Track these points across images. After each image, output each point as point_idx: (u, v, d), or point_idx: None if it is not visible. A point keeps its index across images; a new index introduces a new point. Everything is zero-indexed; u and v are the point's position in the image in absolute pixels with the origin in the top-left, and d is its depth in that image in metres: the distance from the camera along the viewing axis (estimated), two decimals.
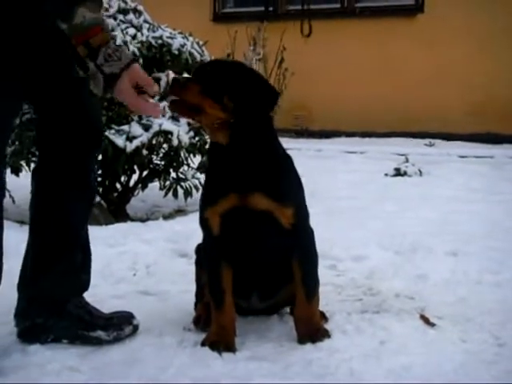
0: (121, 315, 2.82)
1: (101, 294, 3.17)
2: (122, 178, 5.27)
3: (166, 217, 5.27)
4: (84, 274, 2.85)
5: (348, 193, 6.17)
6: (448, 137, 9.75)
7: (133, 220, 5.13)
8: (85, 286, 2.87)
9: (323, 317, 2.95)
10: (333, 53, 10.31)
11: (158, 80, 5.19)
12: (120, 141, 4.76)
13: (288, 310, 3.04)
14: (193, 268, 3.55)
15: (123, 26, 5.22)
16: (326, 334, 2.74)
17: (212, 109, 2.61)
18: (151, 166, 5.23)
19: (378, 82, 10.24)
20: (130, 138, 4.80)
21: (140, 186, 5.32)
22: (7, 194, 4.97)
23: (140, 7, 5.47)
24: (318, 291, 2.81)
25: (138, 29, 5.26)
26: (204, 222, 2.73)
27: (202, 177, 5.23)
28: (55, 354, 2.62)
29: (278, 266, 2.79)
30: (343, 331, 2.82)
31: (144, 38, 5.20)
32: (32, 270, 2.78)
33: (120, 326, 2.76)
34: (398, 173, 7.17)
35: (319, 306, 3.00)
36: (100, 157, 4.48)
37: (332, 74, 10.40)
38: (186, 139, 4.95)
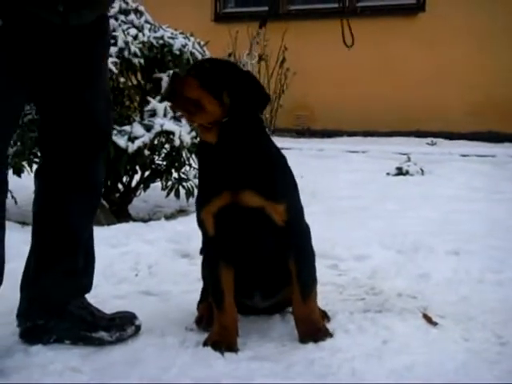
0: (123, 316, 2.82)
1: (103, 295, 3.18)
2: (124, 179, 5.27)
3: (168, 217, 5.27)
4: (86, 277, 2.85)
5: (350, 192, 6.17)
6: (450, 136, 9.75)
7: (135, 220, 5.13)
8: (86, 288, 2.87)
9: (325, 316, 2.95)
10: (333, 52, 10.31)
11: (159, 80, 5.20)
12: (122, 141, 4.77)
13: (290, 309, 3.04)
14: (194, 268, 3.57)
15: (124, 26, 5.23)
16: (327, 334, 2.74)
17: (211, 104, 2.61)
18: (153, 166, 5.23)
19: (379, 82, 10.24)
20: (131, 139, 4.81)
21: (142, 186, 5.33)
22: (9, 194, 4.98)
23: (141, 8, 5.47)
24: (314, 289, 2.80)
25: (140, 29, 5.26)
26: (200, 223, 2.74)
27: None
28: (57, 354, 2.62)
29: (278, 264, 2.78)
30: (345, 331, 2.82)
31: (145, 39, 5.20)
32: (34, 271, 2.78)
33: (122, 326, 2.77)
34: (400, 172, 7.17)
35: (321, 306, 3.01)
36: None
37: (333, 73, 10.40)
38: (187, 139, 4.96)
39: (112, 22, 5.13)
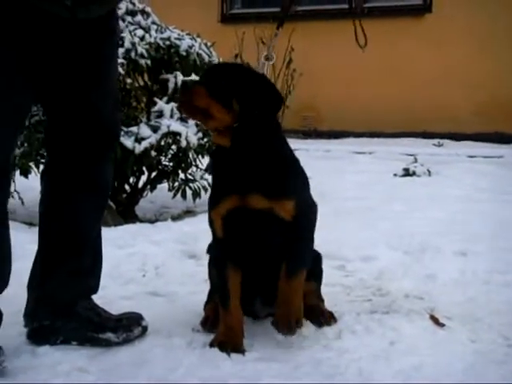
0: (130, 316, 2.82)
1: (110, 295, 3.18)
2: (131, 180, 5.28)
3: (175, 218, 5.27)
4: (93, 278, 2.85)
5: (356, 193, 6.16)
6: (456, 137, 9.74)
7: (141, 221, 5.14)
8: (93, 289, 2.87)
9: (332, 317, 2.95)
10: (341, 53, 10.31)
11: (166, 81, 5.21)
12: (129, 142, 4.77)
13: None
14: (201, 269, 3.56)
15: (131, 27, 5.23)
16: (294, 330, 2.67)
17: (220, 113, 2.63)
18: (160, 167, 5.24)
19: (386, 82, 10.23)
20: (138, 140, 4.81)
21: (149, 187, 5.33)
22: (16, 195, 5.00)
23: (148, 9, 5.48)
24: (302, 274, 2.73)
25: (146, 30, 5.27)
26: (210, 223, 2.75)
27: (210, 178, 5.23)
28: (65, 355, 2.62)
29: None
30: (352, 331, 2.82)
31: (152, 40, 5.21)
32: (40, 272, 2.78)
33: (129, 327, 2.76)
34: (407, 173, 7.16)
35: (328, 307, 3.01)
36: None
37: (340, 74, 10.40)
38: (194, 140, 4.96)
39: (119, 23, 5.14)
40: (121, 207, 5.20)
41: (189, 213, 5.50)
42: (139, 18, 5.36)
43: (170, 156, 5.15)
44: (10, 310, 2.67)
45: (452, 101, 9.88)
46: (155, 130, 4.88)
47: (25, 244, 3.38)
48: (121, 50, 4.98)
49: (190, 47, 5.33)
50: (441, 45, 10.02)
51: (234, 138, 2.66)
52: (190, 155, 5.11)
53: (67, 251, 2.77)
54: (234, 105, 2.63)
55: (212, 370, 2.48)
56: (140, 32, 5.22)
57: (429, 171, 7.19)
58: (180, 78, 5.15)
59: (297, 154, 2.79)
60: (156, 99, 5.12)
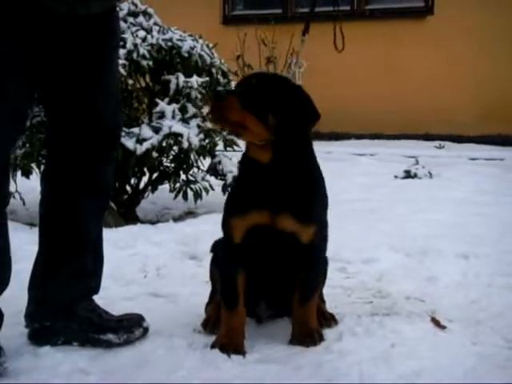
0: (131, 318, 2.82)
1: (111, 296, 3.18)
2: (132, 181, 5.27)
3: (176, 219, 5.27)
4: (94, 279, 2.85)
5: (358, 195, 6.16)
6: (458, 139, 9.74)
7: (143, 222, 5.13)
8: (94, 290, 2.86)
9: (333, 319, 2.95)
10: (342, 55, 10.29)
11: (167, 82, 5.21)
12: (130, 143, 4.77)
13: None
14: (202, 270, 3.56)
15: (133, 28, 5.24)
16: (318, 340, 2.72)
17: (256, 126, 2.55)
18: (161, 168, 5.23)
19: (387, 84, 10.22)
20: (140, 141, 4.81)
21: (150, 188, 5.33)
22: (17, 196, 5.00)
23: (150, 10, 5.48)
24: (316, 297, 2.80)
25: (148, 31, 5.27)
26: (227, 228, 2.72)
27: (212, 179, 5.23)
28: (66, 356, 2.62)
29: (290, 278, 2.77)
30: (353, 334, 2.82)
31: (154, 41, 5.21)
32: (41, 272, 2.78)
33: (130, 328, 2.76)
34: (408, 175, 7.16)
35: (329, 308, 3.01)
36: None
37: (341, 75, 10.39)
38: (195, 141, 4.96)
39: (121, 24, 5.13)
40: (122, 208, 5.19)
41: (190, 214, 5.50)
42: (141, 19, 5.36)
43: (171, 157, 5.14)
44: (11, 310, 2.67)
45: (454, 103, 9.87)
46: (157, 131, 4.88)
47: (26, 245, 3.38)
48: (123, 51, 4.98)
49: (192, 48, 5.33)
50: (442, 47, 10.01)
51: (273, 153, 2.59)
52: (192, 156, 5.11)
53: (68, 252, 2.76)
54: (269, 118, 2.55)
55: (213, 372, 2.48)
56: (142, 33, 5.22)
57: (430, 173, 7.18)
58: (182, 79, 5.15)
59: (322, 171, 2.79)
60: (158, 100, 5.12)
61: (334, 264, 3.73)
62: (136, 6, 5.43)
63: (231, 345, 2.64)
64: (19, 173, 4.87)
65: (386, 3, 10.71)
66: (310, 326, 2.75)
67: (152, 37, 5.23)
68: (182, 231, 4.61)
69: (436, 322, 2.95)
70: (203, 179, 5.17)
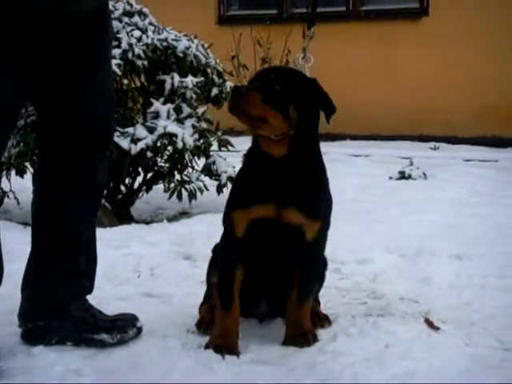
0: (124, 318, 2.81)
1: (105, 296, 3.17)
2: (127, 180, 5.27)
3: (171, 219, 5.27)
4: (87, 279, 2.84)
5: (353, 196, 6.16)
6: (453, 140, 9.75)
7: (137, 222, 5.13)
8: (87, 290, 2.85)
9: (327, 320, 2.95)
10: (338, 56, 10.31)
11: (162, 82, 5.20)
12: (125, 143, 4.77)
13: None
14: (197, 270, 3.56)
15: (128, 28, 5.23)
16: (312, 341, 2.72)
17: (277, 120, 2.55)
18: (156, 168, 5.23)
19: (382, 85, 10.23)
20: (134, 141, 4.81)
21: (144, 188, 5.33)
22: (12, 195, 4.99)
23: (145, 10, 5.47)
24: (311, 298, 2.81)
25: (144, 31, 5.27)
26: (230, 221, 2.70)
27: (207, 179, 5.23)
28: (59, 356, 2.61)
29: (291, 278, 2.77)
30: (347, 334, 2.82)
31: (149, 41, 5.20)
32: (34, 272, 2.77)
33: (124, 328, 2.75)
34: (403, 176, 7.16)
35: (323, 309, 3.01)
36: None
37: (337, 76, 10.39)
38: (190, 142, 4.95)
39: (116, 23, 5.14)
40: (116, 208, 5.19)
41: (184, 214, 5.49)
42: (136, 18, 5.35)
43: (166, 157, 5.14)
44: (5, 309, 2.67)
45: (449, 104, 9.89)
46: (151, 130, 4.88)
47: (20, 244, 3.37)
48: (118, 51, 4.97)
49: (187, 48, 5.33)
50: (437, 48, 10.02)
51: (290, 147, 2.60)
52: (186, 156, 5.10)
53: (60, 252, 2.75)
54: (291, 111, 2.56)
55: (206, 372, 2.48)
56: (137, 33, 5.21)
57: (424, 174, 7.19)
58: (177, 79, 5.14)
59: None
60: (152, 100, 5.11)
61: (328, 264, 3.74)
62: (131, 5, 5.43)
63: (225, 345, 2.63)
64: (13, 172, 4.86)
65: (381, 4, 10.73)
66: (304, 326, 2.75)
67: (147, 37, 5.23)
68: (176, 231, 4.61)
69: (430, 323, 2.95)
70: (198, 179, 5.16)
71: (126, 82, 5.12)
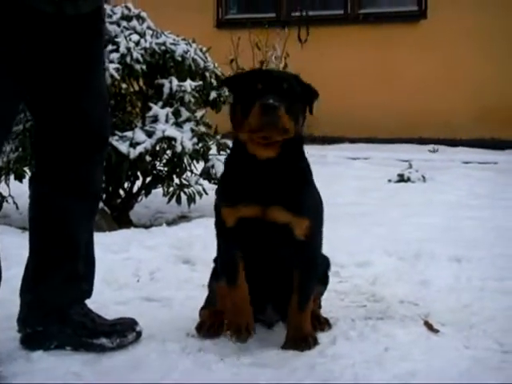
0: (124, 322, 2.81)
1: (104, 301, 3.17)
2: (126, 185, 5.27)
3: (170, 223, 5.26)
4: (86, 283, 2.83)
5: (351, 199, 6.16)
6: (452, 143, 9.75)
7: (136, 226, 5.13)
8: (86, 294, 2.85)
9: (327, 323, 2.95)
10: (336, 59, 10.32)
11: (161, 86, 5.20)
12: (123, 147, 4.77)
13: None
14: (196, 274, 3.57)
15: (127, 32, 5.23)
16: (312, 344, 2.72)
17: (292, 128, 2.63)
18: (154, 172, 5.23)
19: (381, 88, 10.24)
20: (133, 145, 4.81)
21: (143, 192, 5.32)
22: (10, 200, 4.99)
23: (143, 14, 5.47)
24: (311, 302, 2.81)
25: (142, 35, 5.26)
26: (219, 214, 2.77)
27: (205, 183, 5.23)
28: (59, 360, 2.61)
29: (290, 278, 2.78)
30: (347, 337, 2.82)
31: (147, 45, 5.20)
32: (32, 276, 2.76)
33: (123, 332, 2.75)
34: (402, 179, 7.16)
35: (322, 312, 3.01)
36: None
37: (335, 79, 10.40)
38: (189, 145, 4.95)
39: (114, 27, 5.15)
40: (115, 212, 5.19)
41: (183, 218, 5.49)
42: (134, 23, 5.35)
43: (164, 161, 5.14)
44: (3, 315, 2.67)
45: (448, 106, 9.89)
46: (150, 134, 4.88)
47: (18, 249, 3.36)
48: (116, 55, 4.97)
49: (186, 52, 5.32)
50: (436, 50, 10.04)
51: (281, 149, 2.66)
52: (185, 160, 5.10)
53: (58, 256, 2.75)
54: (300, 119, 2.69)
55: (206, 374, 2.48)
56: (135, 37, 5.21)
57: (423, 177, 7.19)
58: (175, 83, 5.14)
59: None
60: (151, 104, 5.11)
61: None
62: (129, 9, 5.42)
63: (235, 323, 2.70)
64: (12, 177, 4.85)
65: (379, 7, 10.75)
66: (305, 330, 2.75)
67: (145, 41, 5.22)
68: (175, 235, 4.61)
69: (429, 326, 2.95)
70: (196, 183, 5.16)
71: (124, 86, 5.11)
